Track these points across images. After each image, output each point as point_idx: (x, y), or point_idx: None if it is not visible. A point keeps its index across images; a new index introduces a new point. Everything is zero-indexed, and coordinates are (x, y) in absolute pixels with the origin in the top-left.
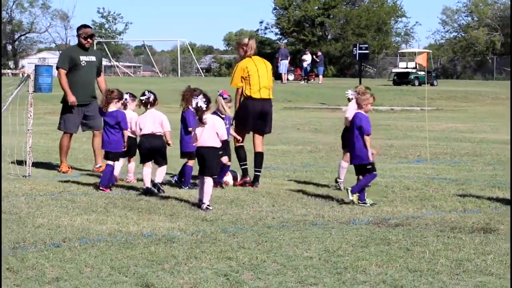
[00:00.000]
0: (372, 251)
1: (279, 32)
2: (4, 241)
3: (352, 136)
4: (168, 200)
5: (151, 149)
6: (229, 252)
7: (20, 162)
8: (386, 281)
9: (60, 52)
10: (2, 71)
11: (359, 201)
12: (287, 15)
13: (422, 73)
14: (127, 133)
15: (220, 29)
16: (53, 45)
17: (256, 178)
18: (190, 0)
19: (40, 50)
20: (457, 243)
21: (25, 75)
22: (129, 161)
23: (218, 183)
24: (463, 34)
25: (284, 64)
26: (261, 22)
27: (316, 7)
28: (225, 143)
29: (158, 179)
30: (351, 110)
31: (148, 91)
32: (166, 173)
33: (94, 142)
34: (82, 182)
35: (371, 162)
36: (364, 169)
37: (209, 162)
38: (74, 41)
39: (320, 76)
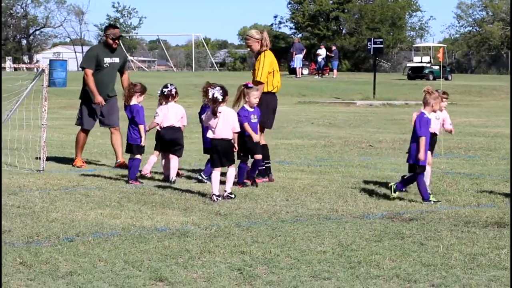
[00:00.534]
0: (386, 246)
1: (293, 27)
2: (18, 235)
3: (412, 135)
4: (182, 194)
5: (172, 141)
6: (243, 246)
7: (35, 157)
8: (400, 276)
9: (86, 51)
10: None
11: (424, 200)
12: (302, 9)
13: (437, 67)
14: (143, 128)
15: (235, 23)
16: (67, 40)
17: (269, 169)
18: None
19: (54, 45)
20: (471, 238)
21: (40, 69)
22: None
23: (240, 183)
24: (477, 29)
25: (298, 59)
26: (275, 17)
27: (331, 1)
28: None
29: (173, 175)
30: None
31: (170, 84)
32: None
33: (112, 139)
34: (96, 176)
35: (422, 165)
36: (414, 168)
37: (228, 153)
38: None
39: (335, 71)
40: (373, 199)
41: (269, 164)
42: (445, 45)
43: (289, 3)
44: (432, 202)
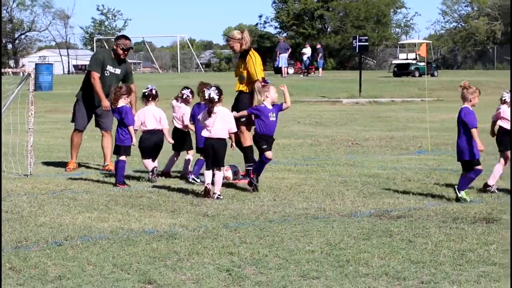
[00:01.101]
0: (374, 244)
1: (278, 26)
2: (7, 240)
3: (458, 132)
4: (170, 196)
5: (155, 145)
6: (231, 247)
7: (22, 161)
8: (389, 273)
9: (93, 54)
10: (2, 70)
11: (457, 190)
12: (287, 8)
13: (422, 64)
14: (132, 128)
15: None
16: (53, 43)
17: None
18: None
19: (40, 49)
20: (459, 234)
21: (26, 73)
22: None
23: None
24: (463, 24)
25: (283, 58)
26: (260, 16)
27: (316, 0)
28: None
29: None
30: (506, 112)
31: (151, 86)
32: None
33: (103, 142)
34: (83, 179)
35: (476, 158)
36: (469, 165)
37: (220, 154)
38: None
39: (320, 69)
40: (361, 197)
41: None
42: (431, 42)
43: (274, 2)
44: (466, 200)
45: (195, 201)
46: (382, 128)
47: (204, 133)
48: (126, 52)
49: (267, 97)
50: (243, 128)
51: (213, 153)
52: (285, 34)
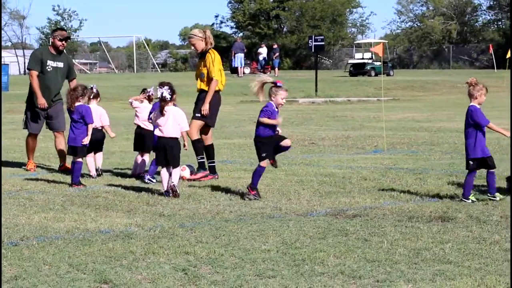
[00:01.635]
0: (330, 243)
1: (234, 26)
2: None
3: (466, 131)
4: (125, 196)
5: (95, 141)
6: (187, 246)
7: None
8: (344, 272)
9: (32, 52)
10: None
11: (463, 198)
12: (242, 8)
13: (378, 63)
14: (91, 126)
15: (176, 24)
16: (8, 44)
17: (214, 169)
18: None
19: None
20: (415, 233)
21: None
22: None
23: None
24: (419, 24)
25: (239, 58)
26: (216, 16)
27: (271, 0)
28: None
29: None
30: None
31: (92, 85)
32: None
33: (56, 143)
34: (39, 180)
35: (487, 155)
36: (482, 162)
37: (174, 153)
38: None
39: (276, 69)
40: (317, 197)
41: (214, 164)
42: (387, 41)
43: (230, 2)
44: (471, 201)
45: (151, 201)
46: (338, 127)
47: (157, 132)
48: (64, 42)
49: (272, 99)
50: (195, 123)
51: (165, 153)
52: (241, 34)
